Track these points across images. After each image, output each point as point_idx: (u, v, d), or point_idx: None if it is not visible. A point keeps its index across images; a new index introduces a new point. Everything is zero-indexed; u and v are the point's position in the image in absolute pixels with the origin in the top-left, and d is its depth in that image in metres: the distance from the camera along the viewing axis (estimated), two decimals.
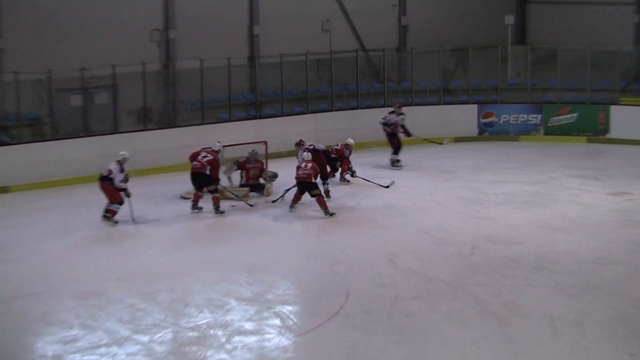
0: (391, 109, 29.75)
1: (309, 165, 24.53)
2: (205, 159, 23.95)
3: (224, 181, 25.49)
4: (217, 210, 24.05)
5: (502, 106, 33.47)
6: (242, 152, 26.10)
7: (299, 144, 27.03)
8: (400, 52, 36.92)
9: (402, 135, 29.20)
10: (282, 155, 27.71)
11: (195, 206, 24.38)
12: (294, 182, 24.63)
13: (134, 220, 23.41)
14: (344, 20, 35.81)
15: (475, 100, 33.82)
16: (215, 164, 24.07)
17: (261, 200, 25.74)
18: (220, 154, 24.66)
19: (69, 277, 19.46)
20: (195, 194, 24.35)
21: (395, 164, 29.14)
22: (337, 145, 27.33)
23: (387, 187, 26.46)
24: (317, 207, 24.37)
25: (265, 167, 26.56)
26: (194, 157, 24.08)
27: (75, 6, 30.52)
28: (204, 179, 24.00)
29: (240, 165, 25.84)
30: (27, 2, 29.58)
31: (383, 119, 29.30)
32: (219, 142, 24.73)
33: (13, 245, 21.83)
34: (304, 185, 24.48)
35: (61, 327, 16.87)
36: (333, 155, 27.29)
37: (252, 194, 25.74)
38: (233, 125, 30.56)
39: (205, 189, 24.11)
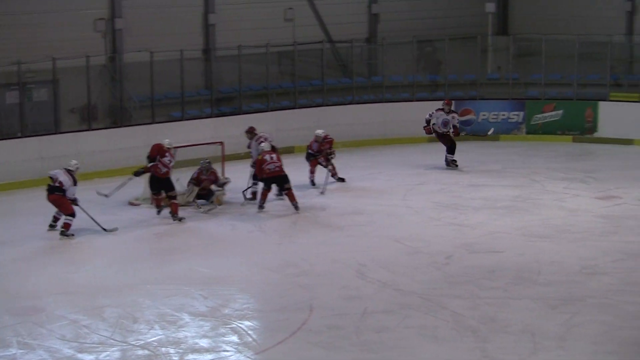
0: (439, 106, 29.88)
1: (274, 156, 24.79)
2: (171, 164, 24.20)
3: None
4: (175, 217, 24.26)
5: (481, 102, 33.71)
6: (196, 154, 26.15)
7: (250, 132, 27.08)
8: (371, 44, 36.97)
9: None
10: (240, 157, 27.79)
11: (160, 211, 24.67)
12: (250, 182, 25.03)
13: (105, 230, 23.53)
14: (309, 9, 35.77)
15: (452, 96, 34.01)
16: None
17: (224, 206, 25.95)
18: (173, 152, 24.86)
19: (6, 292, 19.46)
20: (156, 199, 24.57)
21: (451, 163, 29.39)
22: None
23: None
24: (278, 211, 24.63)
25: (222, 174, 26.47)
26: (155, 154, 24.26)
27: None
28: (168, 183, 24.31)
29: (197, 180, 25.74)
30: None
31: (430, 116, 29.57)
32: (167, 140, 24.80)
33: None
34: (278, 179, 24.78)
35: None
36: (310, 151, 27.57)
37: (200, 201, 25.78)
38: (186, 124, 30.64)
39: (164, 194, 24.39)
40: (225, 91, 33.35)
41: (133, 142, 27.87)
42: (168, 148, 24.40)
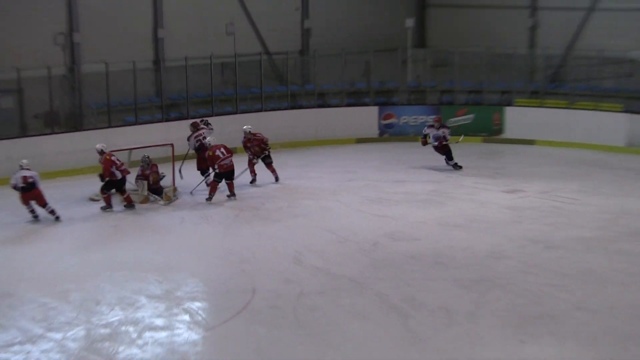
0: (429, 123, 29.77)
1: (224, 150, 25.49)
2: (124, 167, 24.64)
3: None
4: (129, 206, 24.90)
5: (402, 108, 33.88)
6: (149, 154, 26.12)
7: (194, 125, 27.60)
8: (303, 56, 37.04)
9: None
10: (189, 157, 27.88)
11: (109, 208, 24.90)
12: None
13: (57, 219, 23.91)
14: (248, 23, 35.76)
15: (376, 102, 34.21)
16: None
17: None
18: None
19: None
20: (106, 196, 24.78)
21: (456, 167, 29.18)
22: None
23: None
24: (222, 204, 24.86)
25: (172, 173, 26.73)
26: (112, 163, 24.52)
27: None
28: (121, 184, 24.71)
29: (143, 175, 25.81)
30: None
31: (425, 131, 29.49)
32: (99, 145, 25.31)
33: None
34: (229, 173, 25.40)
35: None
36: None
37: (154, 196, 25.87)
38: (139, 128, 30.57)
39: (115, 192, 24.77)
40: (173, 98, 33.32)
41: (91, 144, 27.60)
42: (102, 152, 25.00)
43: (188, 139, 27.38)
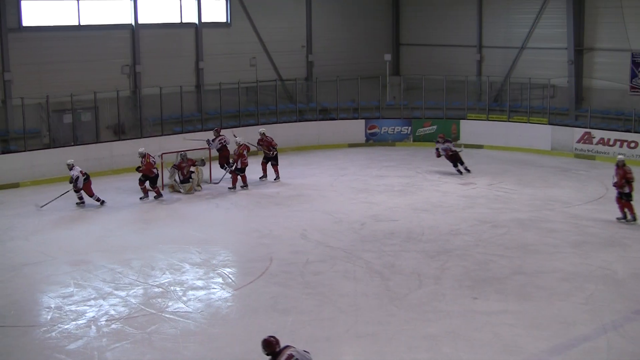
0: (437, 140, 28.12)
1: (246, 151, 25.69)
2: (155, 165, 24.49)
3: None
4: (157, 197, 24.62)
5: (383, 120, 33.63)
6: (192, 154, 25.89)
7: (217, 132, 27.63)
8: (308, 81, 36.86)
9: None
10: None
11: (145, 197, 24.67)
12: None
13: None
14: (266, 58, 35.60)
15: (363, 116, 34.03)
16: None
17: (212, 188, 25.77)
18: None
19: (64, 250, 19.43)
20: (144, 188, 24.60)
21: (465, 170, 27.56)
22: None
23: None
24: (247, 194, 24.66)
25: (210, 171, 26.53)
26: (151, 165, 24.37)
27: (66, 46, 29.99)
28: (154, 179, 24.49)
29: (178, 167, 25.46)
30: (28, 42, 29.07)
31: (437, 146, 27.81)
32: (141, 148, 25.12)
33: (21, 226, 21.72)
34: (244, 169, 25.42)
35: (60, 286, 16.96)
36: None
37: (180, 186, 25.52)
38: (184, 136, 30.36)
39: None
40: (210, 113, 33.03)
41: (150, 148, 27.46)
42: (143, 155, 24.51)
43: (211, 142, 27.24)
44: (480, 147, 31.93)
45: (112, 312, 15.39)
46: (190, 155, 25.60)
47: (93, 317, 15.19)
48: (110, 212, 23.27)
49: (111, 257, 18.61)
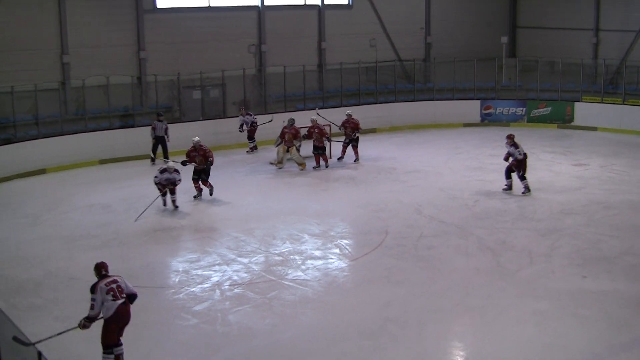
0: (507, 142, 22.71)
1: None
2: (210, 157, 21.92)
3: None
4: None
5: (498, 101, 33.20)
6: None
7: (243, 108, 28.09)
8: (426, 62, 36.61)
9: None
10: (340, 134, 27.61)
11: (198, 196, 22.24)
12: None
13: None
14: (385, 39, 35.45)
15: (478, 97, 33.64)
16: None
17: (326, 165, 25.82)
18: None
19: (191, 219, 19.95)
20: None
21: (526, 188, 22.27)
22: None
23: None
24: (358, 168, 24.72)
25: (330, 144, 26.17)
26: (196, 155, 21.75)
27: (197, 27, 30.58)
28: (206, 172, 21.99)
29: (281, 136, 25.28)
30: (162, 23, 29.79)
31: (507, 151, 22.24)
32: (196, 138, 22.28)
33: (154, 195, 22.25)
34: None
35: (188, 251, 17.47)
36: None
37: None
38: (306, 113, 30.36)
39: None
40: (331, 91, 33.16)
41: (271, 124, 27.89)
42: (195, 145, 21.85)
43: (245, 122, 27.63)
44: (594, 129, 31.18)
45: (235, 278, 15.74)
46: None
47: (217, 281, 15.57)
48: (234, 184, 23.62)
49: (235, 226, 18.99)
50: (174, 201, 20.83)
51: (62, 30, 27.67)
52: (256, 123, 28.24)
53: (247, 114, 28.20)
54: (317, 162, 25.29)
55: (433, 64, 35.55)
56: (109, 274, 11.77)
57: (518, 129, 31.81)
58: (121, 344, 11.71)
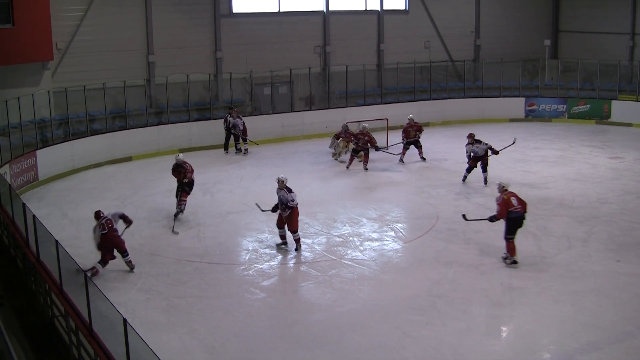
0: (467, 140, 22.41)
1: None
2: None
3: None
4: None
5: (541, 99, 32.79)
6: (369, 125, 25.96)
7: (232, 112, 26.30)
8: (475, 62, 36.28)
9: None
10: (397, 128, 27.45)
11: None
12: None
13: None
14: (439, 41, 35.26)
15: (523, 95, 33.25)
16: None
17: (378, 159, 25.70)
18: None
19: (261, 202, 19.91)
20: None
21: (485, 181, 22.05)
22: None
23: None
24: (412, 164, 24.57)
25: (387, 142, 26.09)
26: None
27: (268, 30, 30.81)
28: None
29: (338, 136, 25.14)
30: (236, 26, 30.04)
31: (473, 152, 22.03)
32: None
33: (227, 180, 22.59)
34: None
35: (257, 232, 17.58)
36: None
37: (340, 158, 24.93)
38: (365, 108, 30.32)
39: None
40: (389, 89, 32.99)
41: (335, 117, 27.97)
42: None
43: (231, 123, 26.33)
44: (629, 125, 30.59)
45: (300, 257, 15.86)
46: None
47: (283, 259, 15.73)
48: (298, 171, 23.59)
49: (300, 210, 18.86)
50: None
51: (148, 33, 28.15)
52: (243, 126, 26.54)
53: (238, 117, 26.50)
54: (366, 162, 23.94)
55: (482, 64, 35.23)
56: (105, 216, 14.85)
57: (559, 124, 31.49)
58: (127, 254, 15.02)
